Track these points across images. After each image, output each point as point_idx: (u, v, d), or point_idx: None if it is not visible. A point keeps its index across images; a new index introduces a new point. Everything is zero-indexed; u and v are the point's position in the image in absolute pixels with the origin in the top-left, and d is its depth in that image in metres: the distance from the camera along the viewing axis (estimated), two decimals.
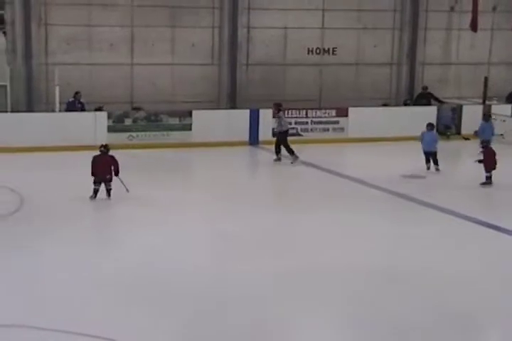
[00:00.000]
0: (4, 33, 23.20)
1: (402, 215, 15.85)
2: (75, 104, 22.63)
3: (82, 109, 22.71)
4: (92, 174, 15.88)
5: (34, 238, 13.42)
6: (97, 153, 16.14)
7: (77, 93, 22.77)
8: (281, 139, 20.65)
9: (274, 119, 21.56)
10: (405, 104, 26.14)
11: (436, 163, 19.62)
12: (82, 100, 22.71)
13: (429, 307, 10.53)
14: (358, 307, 10.55)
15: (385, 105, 26.01)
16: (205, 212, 15.37)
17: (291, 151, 20.40)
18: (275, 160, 20.56)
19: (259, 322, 9.96)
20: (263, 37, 25.30)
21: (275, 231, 14.23)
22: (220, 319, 10.03)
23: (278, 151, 20.64)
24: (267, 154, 22.23)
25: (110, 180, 15.87)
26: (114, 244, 13.43)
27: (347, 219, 15.04)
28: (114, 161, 15.93)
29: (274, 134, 21.71)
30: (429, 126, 19.90)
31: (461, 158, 23.78)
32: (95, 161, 16.00)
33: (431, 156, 19.61)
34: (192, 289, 11.04)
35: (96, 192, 15.88)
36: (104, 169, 15.78)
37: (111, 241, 13.63)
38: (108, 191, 15.97)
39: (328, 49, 26.06)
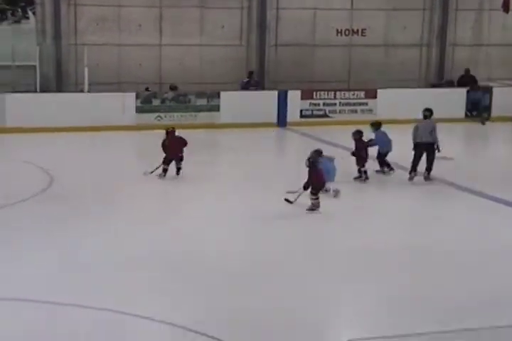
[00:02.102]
0: (34, 13, 23.28)
1: (432, 196, 15.78)
2: (250, 84, 23.46)
3: (257, 88, 23.51)
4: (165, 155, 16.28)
5: (71, 216, 13.50)
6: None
7: (251, 73, 23.70)
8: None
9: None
10: (434, 86, 25.87)
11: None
12: (256, 79, 23.80)
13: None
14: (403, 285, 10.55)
15: (433, 86, 25.76)
16: (240, 190, 15.33)
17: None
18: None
19: (298, 301, 9.98)
20: (292, 18, 25.15)
21: (302, 214, 14.17)
22: (266, 299, 10.06)
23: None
24: (294, 135, 22.20)
25: (181, 159, 16.32)
26: (156, 221, 13.45)
27: (377, 200, 15.02)
28: (183, 141, 16.38)
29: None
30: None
31: (491, 142, 23.59)
32: (165, 143, 16.39)
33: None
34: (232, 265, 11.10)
35: (165, 171, 16.21)
36: (175, 148, 16.22)
37: (152, 218, 13.63)
38: (178, 169, 16.35)
39: (357, 30, 25.88)
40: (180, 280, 10.67)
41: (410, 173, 16.58)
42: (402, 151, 18.51)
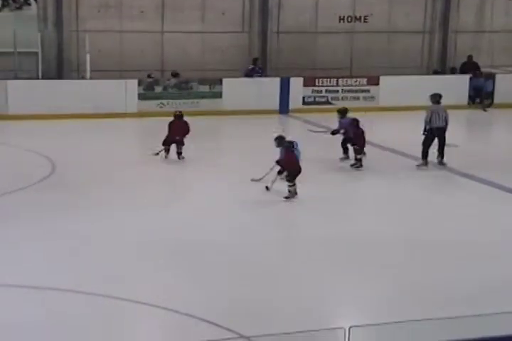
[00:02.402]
0: None
1: (435, 184, 15.80)
2: (254, 71, 23.36)
3: (261, 75, 23.43)
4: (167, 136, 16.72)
5: (72, 203, 13.52)
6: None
7: (256, 59, 23.64)
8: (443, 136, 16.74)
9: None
10: (436, 73, 25.80)
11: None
12: (261, 66, 23.72)
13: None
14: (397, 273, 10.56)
15: (436, 73, 25.69)
16: (240, 177, 15.30)
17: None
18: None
19: (304, 288, 10.00)
20: (294, 4, 25.05)
21: (311, 199, 14.17)
22: (270, 286, 10.08)
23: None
24: (297, 122, 22.18)
25: (181, 142, 16.58)
26: (157, 208, 13.46)
27: (380, 187, 15.04)
28: (187, 127, 16.67)
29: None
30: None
31: (494, 128, 23.57)
32: (170, 125, 16.82)
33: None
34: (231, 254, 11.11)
35: (167, 150, 16.66)
36: (178, 132, 16.53)
37: (153, 206, 13.64)
38: (178, 154, 16.66)
39: (360, 17, 25.78)
40: (181, 267, 10.69)
41: (424, 159, 16.62)
42: (404, 138, 18.53)
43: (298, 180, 13.90)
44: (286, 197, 13.78)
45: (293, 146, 14.25)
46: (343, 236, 12.03)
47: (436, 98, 17.05)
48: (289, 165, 13.85)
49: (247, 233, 12.22)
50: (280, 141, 14.19)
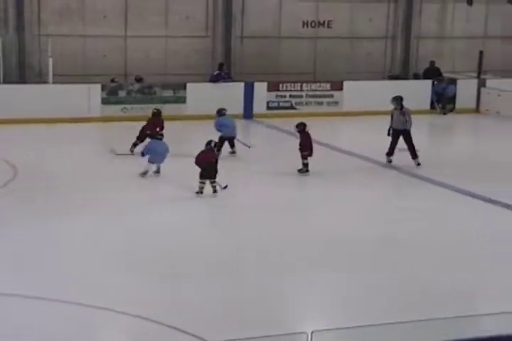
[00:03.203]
0: None
1: (397, 188, 15.92)
2: (220, 76, 23.28)
3: (227, 81, 23.31)
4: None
5: (35, 208, 13.41)
6: None
7: (221, 65, 23.51)
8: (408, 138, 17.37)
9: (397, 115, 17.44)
10: (390, 78, 25.91)
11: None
12: (227, 71, 23.62)
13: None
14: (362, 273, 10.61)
15: (392, 77, 25.83)
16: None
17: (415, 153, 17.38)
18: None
19: (272, 292, 10.01)
20: (258, 9, 25.11)
21: (276, 203, 14.23)
22: (233, 290, 10.08)
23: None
24: (261, 127, 22.22)
25: (153, 137, 16.83)
26: (123, 211, 13.41)
27: (343, 192, 15.10)
28: (161, 123, 17.65)
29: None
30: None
31: (455, 132, 23.80)
32: (147, 121, 17.80)
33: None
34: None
35: (135, 145, 17.44)
36: (150, 127, 17.44)
37: (119, 209, 13.58)
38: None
39: (323, 22, 25.90)
40: (146, 273, 10.65)
41: (387, 156, 17.29)
42: (366, 143, 18.65)
43: (268, 181, 13.96)
44: (197, 192, 14.29)
45: (214, 146, 14.80)
46: (306, 239, 12.08)
47: (397, 100, 17.40)
48: (202, 164, 14.34)
49: (214, 238, 12.21)
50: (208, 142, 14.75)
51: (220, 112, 18.01)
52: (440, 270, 11.03)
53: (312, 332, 6.38)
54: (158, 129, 17.34)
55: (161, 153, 15.76)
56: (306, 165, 16.27)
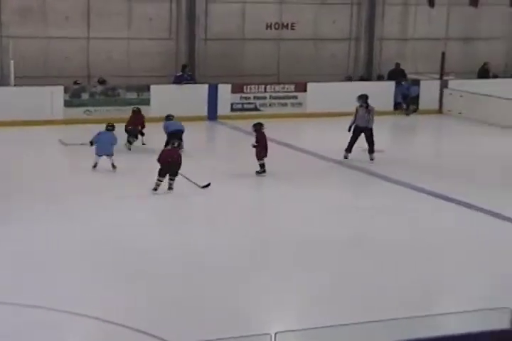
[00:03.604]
0: None
1: (361, 188, 16.01)
2: (183, 77, 23.17)
3: (190, 82, 23.26)
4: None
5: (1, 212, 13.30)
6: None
7: (185, 66, 23.43)
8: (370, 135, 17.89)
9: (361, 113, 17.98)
10: (347, 79, 26.00)
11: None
12: (190, 73, 23.52)
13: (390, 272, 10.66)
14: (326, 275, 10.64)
15: (349, 78, 25.94)
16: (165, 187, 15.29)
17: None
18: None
19: (236, 293, 9.99)
20: (221, 11, 25.08)
21: (238, 205, 14.26)
22: (197, 289, 10.05)
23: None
24: (225, 129, 22.21)
25: (132, 132, 18.75)
26: (86, 215, 13.33)
27: (304, 192, 15.15)
28: (141, 120, 18.92)
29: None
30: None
31: (417, 133, 23.97)
32: (128, 120, 18.94)
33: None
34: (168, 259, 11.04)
35: (129, 141, 18.67)
36: (130, 123, 18.79)
37: (83, 212, 13.50)
38: (128, 141, 18.64)
39: (287, 24, 25.95)
40: (110, 275, 10.60)
41: (346, 152, 17.75)
42: (330, 144, 18.71)
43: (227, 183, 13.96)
44: (153, 189, 14.63)
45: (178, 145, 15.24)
46: (266, 239, 12.10)
47: (363, 98, 17.94)
48: (163, 161, 14.72)
49: (175, 238, 12.18)
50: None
51: (168, 118, 18.54)
52: (404, 269, 11.11)
53: (276, 334, 6.38)
54: (137, 125, 18.76)
55: (105, 143, 16.21)
56: (261, 165, 16.24)
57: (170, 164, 14.63)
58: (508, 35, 28.70)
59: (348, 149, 17.80)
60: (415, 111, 24.97)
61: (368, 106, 17.83)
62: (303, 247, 11.88)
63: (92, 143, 16.34)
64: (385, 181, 16.18)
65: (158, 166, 14.64)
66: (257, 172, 16.23)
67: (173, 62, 24.67)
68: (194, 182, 15.03)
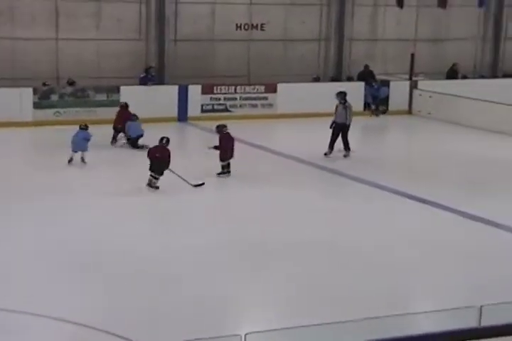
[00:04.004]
0: None
1: (332, 190, 16.05)
2: (147, 79, 23.11)
3: (154, 83, 23.25)
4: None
5: None
6: None
7: (149, 68, 23.42)
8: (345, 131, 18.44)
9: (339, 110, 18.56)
10: (314, 80, 26.04)
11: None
12: (153, 74, 23.46)
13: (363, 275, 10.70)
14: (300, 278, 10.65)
15: (316, 79, 26.01)
16: (143, 187, 15.24)
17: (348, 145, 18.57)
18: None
19: (204, 295, 9.98)
20: (191, 12, 25.04)
21: (213, 208, 14.28)
22: (169, 290, 10.02)
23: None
24: (195, 130, 22.18)
25: (121, 130, 19.30)
26: (58, 216, 13.26)
27: (278, 194, 15.14)
28: (128, 115, 19.35)
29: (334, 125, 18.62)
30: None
31: (387, 133, 24.09)
32: (116, 115, 19.62)
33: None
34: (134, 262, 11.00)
35: (114, 138, 19.37)
36: (118, 120, 19.41)
37: (54, 214, 13.44)
38: (113, 138, 19.40)
39: (257, 25, 25.97)
40: (77, 277, 10.54)
41: (329, 148, 18.20)
42: (301, 145, 18.74)
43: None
44: (147, 184, 15.01)
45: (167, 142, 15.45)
46: (242, 241, 12.09)
47: (341, 95, 18.52)
48: (151, 157, 15.22)
49: (146, 241, 12.14)
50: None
51: (131, 118, 19.25)
52: (371, 269, 11.15)
53: (246, 334, 6.37)
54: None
55: (80, 139, 17.04)
56: (223, 167, 16.18)
57: (159, 160, 14.89)
58: (477, 36, 28.95)
59: (330, 146, 18.20)
60: (385, 112, 25.09)
61: (345, 102, 18.32)
62: (269, 249, 11.88)
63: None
64: (355, 182, 16.24)
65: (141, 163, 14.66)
66: (218, 174, 16.15)
67: (143, 63, 24.57)
68: (186, 181, 15.04)
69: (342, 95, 18.49)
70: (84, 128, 17.46)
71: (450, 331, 6.79)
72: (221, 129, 16.39)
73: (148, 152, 15.34)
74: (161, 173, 14.99)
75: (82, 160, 17.09)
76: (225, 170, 16.19)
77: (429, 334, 6.80)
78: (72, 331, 8.91)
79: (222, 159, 16.19)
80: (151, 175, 15.00)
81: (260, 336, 6.66)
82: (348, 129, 18.20)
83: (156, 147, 15.39)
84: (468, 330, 6.77)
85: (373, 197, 15.21)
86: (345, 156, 18.21)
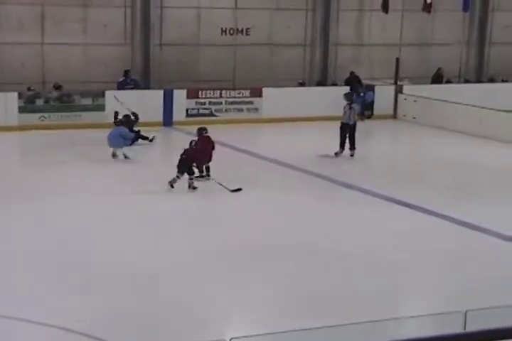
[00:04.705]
0: None
1: (318, 194, 16.04)
2: (126, 83, 23.06)
3: (135, 87, 23.17)
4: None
5: None
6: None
7: (127, 71, 23.29)
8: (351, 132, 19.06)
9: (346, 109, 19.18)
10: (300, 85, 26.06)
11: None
12: (133, 77, 23.44)
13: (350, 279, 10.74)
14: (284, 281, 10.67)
15: (301, 84, 26.08)
16: (127, 192, 15.24)
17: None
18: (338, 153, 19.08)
19: (190, 298, 9.99)
20: (176, 17, 25.08)
21: (198, 212, 14.28)
22: (153, 295, 10.03)
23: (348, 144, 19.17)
24: (180, 135, 22.15)
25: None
26: (45, 219, 13.23)
27: (264, 199, 15.16)
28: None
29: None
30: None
31: (375, 137, 24.16)
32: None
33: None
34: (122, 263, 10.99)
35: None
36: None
37: (41, 216, 13.41)
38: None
39: (242, 29, 26.02)
40: (63, 280, 10.53)
41: (340, 148, 18.88)
42: (287, 149, 18.77)
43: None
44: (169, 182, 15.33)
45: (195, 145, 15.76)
46: (232, 245, 12.11)
47: (348, 96, 19.41)
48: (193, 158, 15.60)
49: (134, 245, 12.14)
50: None
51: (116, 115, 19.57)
52: (359, 273, 11.19)
53: (231, 339, 6.39)
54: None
55: (110, 137, 18.04)
56: (202, 170, 16.14)
57: (184, 160, 15.29)
58: (462, 40, 29.10)
59: (341, 146, 18.84)
60: (370, 117, 25.15)
61: (351, 103, 19.05)
62: (256, 253, 11.90)
63: None
64: (340, 186, 16.28)
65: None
66: (197, 177, 15.92)
67: (129, 68, 24.57)
68: (224, 186, 15.17)
69: (348, 96, 19.39)
70: (118, 124, 18.25)
71: (436, 336, 6.82)
72: (201, 132, 16.42)
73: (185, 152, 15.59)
74: (183, 172, 15.29)
75: (125, 156, 17.86)
76: (204, 173, 16.18)
77: (415, 339, 6.83)
78: (51, 334, 8.89)
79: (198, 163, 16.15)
80: (177, 176, 15.34)
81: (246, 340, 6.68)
82: (353, 129, 18.86)
83: (188, 149, 15.55)
84: (453, 336, 6.80)
85: (359, 201, 15.25)
86: (351, 156, 18.82)
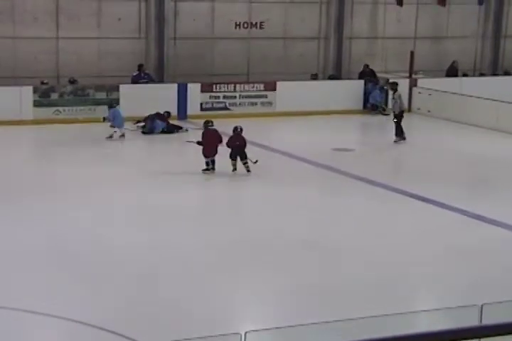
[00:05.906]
0: None
1: (332, 188, 16.01)
2: (140, 77, 23.13)
3: (149, 81, 23.23)
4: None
5: None
6: None
7: (141, 65, 23.33)
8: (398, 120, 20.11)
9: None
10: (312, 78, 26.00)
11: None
12: (147, 72, 23.47)
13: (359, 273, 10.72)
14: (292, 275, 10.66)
15: (314, 76, 26.00)
16: (137, 186, 15.26)
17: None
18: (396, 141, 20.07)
19: (193, 291, 9.99)
20: (190, 11, 25.05)
21: (211, 205, 14.29)
22: (154, 288, 10.03)
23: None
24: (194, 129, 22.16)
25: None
26: (57, 215, 13.28)
27: (278, 192, 15.14)
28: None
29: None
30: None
31: (389, 131, 24.06)
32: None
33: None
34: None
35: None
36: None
37: (52, 213, 13.46)
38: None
39: (256, 23, 25.96)
40: (74, 274, 10.56)
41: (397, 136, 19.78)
42: (300, 143, 18.75)
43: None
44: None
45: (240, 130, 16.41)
46: (241, 239, 12.11)
47: (391, 86, 20.44)
48: (232, 145, 16.23)
49: (136, 238, 12.16)
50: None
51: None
52: (371, 268, 11.16)
53: (246, 333, 6.39)
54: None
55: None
56: (207, 163, 16.16)
57: (238, 147, 15.89)
58: (477, 33, 28.94)
59: (397, 133, 19.71)
60: (384, 110, 25.03)
61: (394, 92, 20.07)
62: (264, 247, 11.89)
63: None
64: (355, 180, 16.22)
65: None
66: (203, 170, 16.10)
67: (143, 62, 24.58)
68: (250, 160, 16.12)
69: (392, 85, 20.34)
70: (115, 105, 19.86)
71: (450, 330, 6.79)
72: (206, 125, 16.44)
73: (228, 141, 16.14)
74: (245, 156, 16.06)
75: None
76: (210, 166, 16.16)
77: (429, 333, 6.80)
78: (63, 327, 8.92)
79: (204, 155, 16.20)
80: (232, 161, 16.04)
81: (260, 334, 6.67)
82: (399, 117, 19.57)
83: (233, 136, 16.24)
84: (469, 329, 6.77)
85: (374, 195, 15.20)
86: (395, 142, 19.61)
